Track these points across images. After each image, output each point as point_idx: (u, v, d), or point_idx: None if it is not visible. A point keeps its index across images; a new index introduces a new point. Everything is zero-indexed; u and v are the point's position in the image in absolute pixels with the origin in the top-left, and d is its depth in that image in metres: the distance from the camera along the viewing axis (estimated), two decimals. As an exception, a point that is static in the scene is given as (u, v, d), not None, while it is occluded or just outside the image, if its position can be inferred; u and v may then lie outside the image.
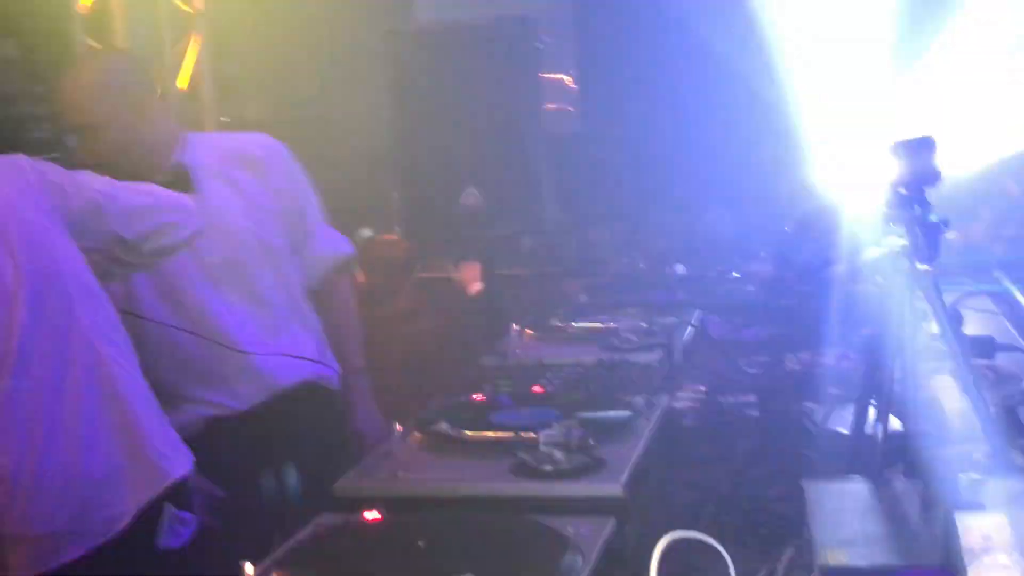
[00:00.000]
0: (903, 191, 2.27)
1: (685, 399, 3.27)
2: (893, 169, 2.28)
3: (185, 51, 5.44)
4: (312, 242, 3.45)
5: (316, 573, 2.06)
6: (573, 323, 3.97)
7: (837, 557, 1.82)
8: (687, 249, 5.23)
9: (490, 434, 2.63)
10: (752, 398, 3.31)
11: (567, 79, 6.77)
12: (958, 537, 1.71)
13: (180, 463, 2.73)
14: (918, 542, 1.89)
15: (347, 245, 3.57)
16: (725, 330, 4.28)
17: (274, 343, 3.24)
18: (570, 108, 6.67)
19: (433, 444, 2.66)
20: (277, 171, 3.36)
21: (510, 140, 4.83)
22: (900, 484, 2.21)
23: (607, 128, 6.23)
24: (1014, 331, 3.99)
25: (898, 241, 2.30)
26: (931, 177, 2.25)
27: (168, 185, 3.12)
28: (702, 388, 3.35)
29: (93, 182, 2.77)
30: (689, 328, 3.89)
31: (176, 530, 2.70)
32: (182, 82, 5.44)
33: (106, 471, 2.58)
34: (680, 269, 5.05)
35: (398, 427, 2.73)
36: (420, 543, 2.13)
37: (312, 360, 3.28)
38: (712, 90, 5.98)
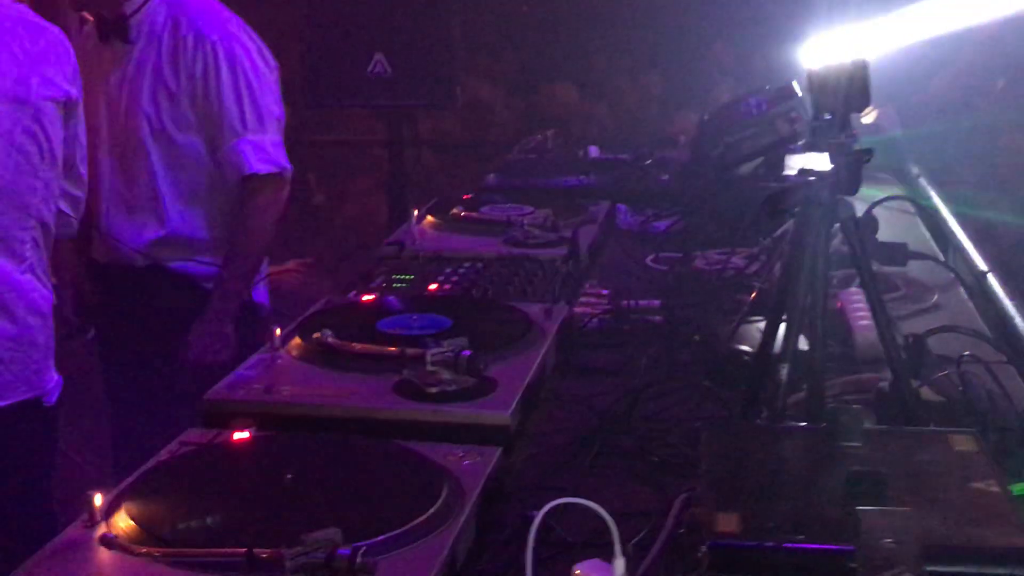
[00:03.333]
0: (827, 116, 2.09)
1: (587, 303, 3.13)
2: (818, 93, 2.10)
3: None
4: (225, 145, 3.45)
5: (168, 505, 1.90)
6: (476, 212, 3.79)
7: (729, 523, 1.67)
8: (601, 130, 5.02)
9: (375, 347, 2.46)
10: (657, 303, 3.17)
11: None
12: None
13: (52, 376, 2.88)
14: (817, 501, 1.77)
15: (261, 164, 3.48)
16: (635, 221, 4.14)
17: None
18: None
19: (315, 354, 2.49)
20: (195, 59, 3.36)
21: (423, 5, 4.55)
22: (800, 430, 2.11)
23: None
24: (929, 237, 3.91)
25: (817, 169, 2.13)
26: (860, 102, 2.07)
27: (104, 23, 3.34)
28: (604, 292, 3.21)
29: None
30: (596, 227, 3.73)
31: None
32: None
33: None
34: (594, 152, 4.86)
35: (277, 331, 2.57)
36: (288, 476, 1.97)
37: None
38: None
